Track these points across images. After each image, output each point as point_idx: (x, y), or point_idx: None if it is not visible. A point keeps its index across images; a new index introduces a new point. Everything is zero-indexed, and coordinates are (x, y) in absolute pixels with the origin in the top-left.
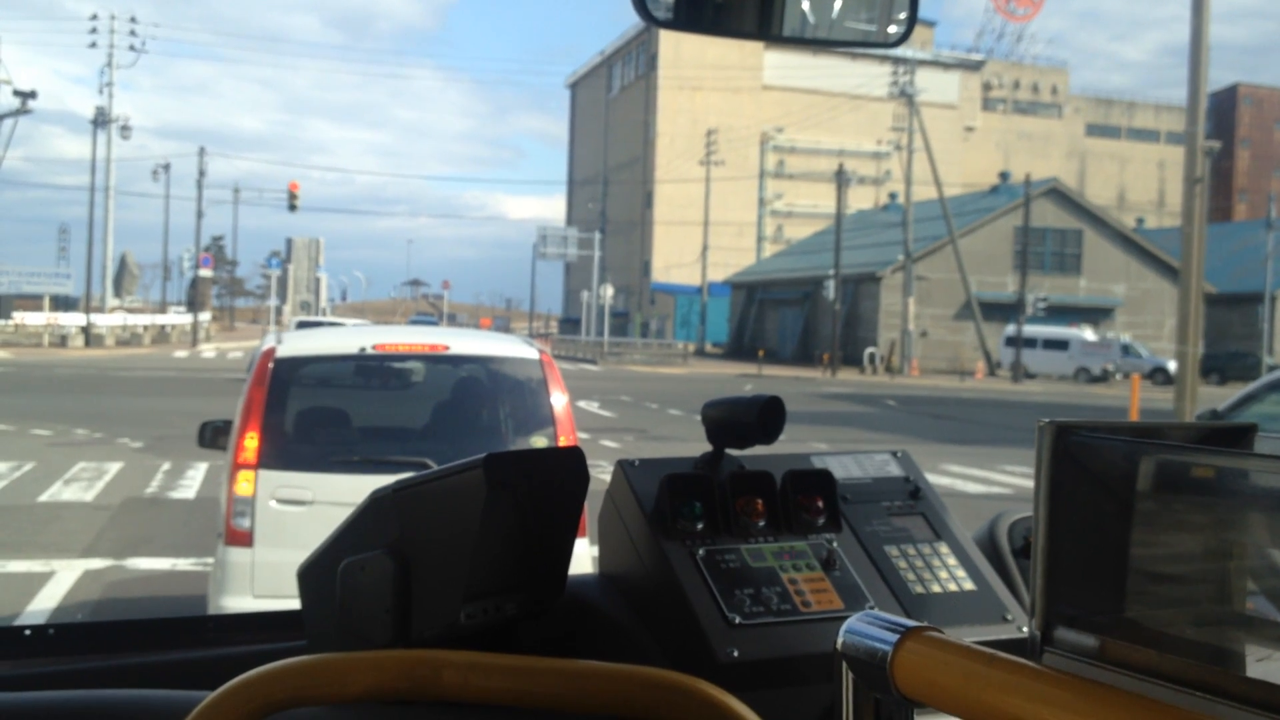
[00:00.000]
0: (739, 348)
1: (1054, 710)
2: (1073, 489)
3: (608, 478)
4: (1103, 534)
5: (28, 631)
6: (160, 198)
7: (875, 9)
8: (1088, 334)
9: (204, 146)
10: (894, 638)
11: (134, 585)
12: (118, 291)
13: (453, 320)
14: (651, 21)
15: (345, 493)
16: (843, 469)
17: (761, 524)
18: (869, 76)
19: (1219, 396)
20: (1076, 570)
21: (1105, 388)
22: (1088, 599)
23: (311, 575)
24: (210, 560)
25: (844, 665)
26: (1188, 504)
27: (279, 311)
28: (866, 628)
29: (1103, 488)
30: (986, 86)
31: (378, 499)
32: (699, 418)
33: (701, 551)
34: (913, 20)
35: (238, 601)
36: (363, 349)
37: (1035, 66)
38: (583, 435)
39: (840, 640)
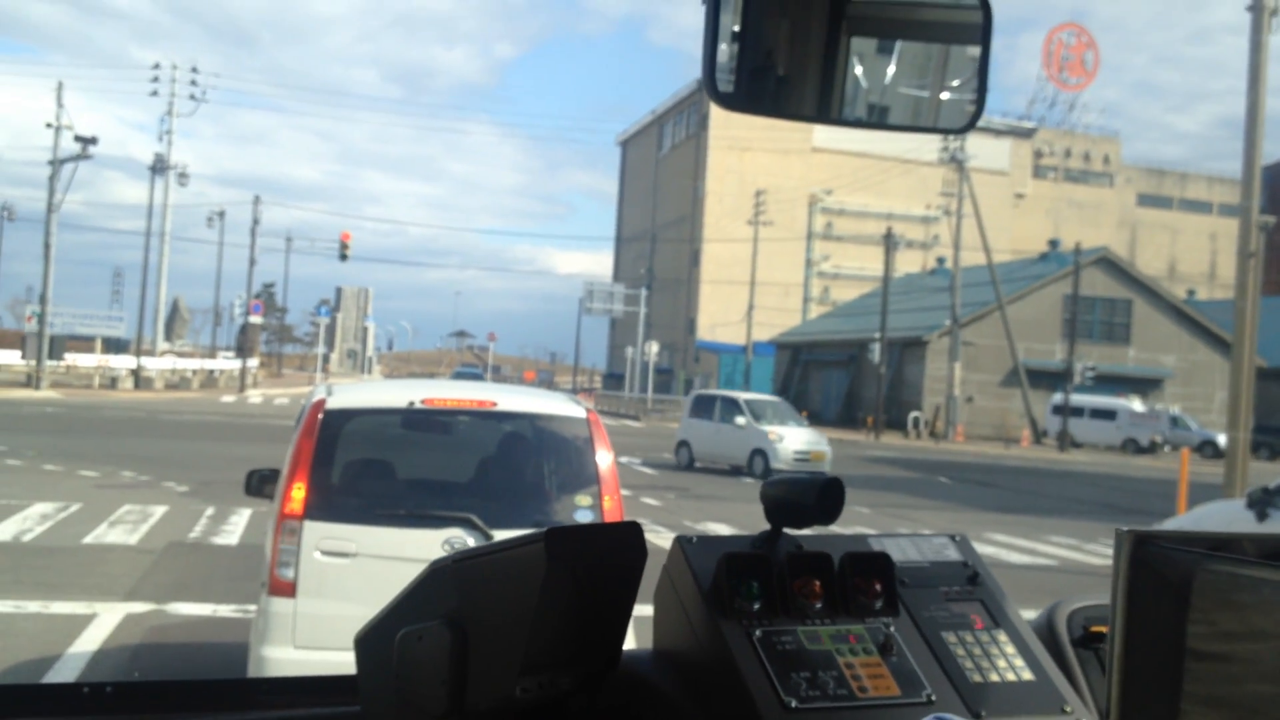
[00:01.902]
0: None
1: None
2: (1148, 598)
3: (652, 538)
4: (1175, 644)
5: (86, 689)
6: (214, 244)
7: (936, 91)
8: (1136, 405)
9: (259, 195)
10: None
11: (175, 630)
12: (169, 335)
13: (496, 372)
14: (716, 99)
15: (389, 546)
16: (900, 552)
17: (819, 606)
18: (919, 141)
19: (1270, 472)
20: (1149, 679)
21: (1153, 459)
22: (1159, 709)
23: (369, 642)
24: (251, 608)
25: None
26: (1264, 619)
27: (326, 359)
28: None
29: (1177, 598)
30: (1038, 154)
31: (437, 569)
32: (744, 480)
33: (758, 632)
34: (980, 104)
35: (279, 651)
36: (411, 403)
37: (1087, 135)
38: (625, 493)
39: None
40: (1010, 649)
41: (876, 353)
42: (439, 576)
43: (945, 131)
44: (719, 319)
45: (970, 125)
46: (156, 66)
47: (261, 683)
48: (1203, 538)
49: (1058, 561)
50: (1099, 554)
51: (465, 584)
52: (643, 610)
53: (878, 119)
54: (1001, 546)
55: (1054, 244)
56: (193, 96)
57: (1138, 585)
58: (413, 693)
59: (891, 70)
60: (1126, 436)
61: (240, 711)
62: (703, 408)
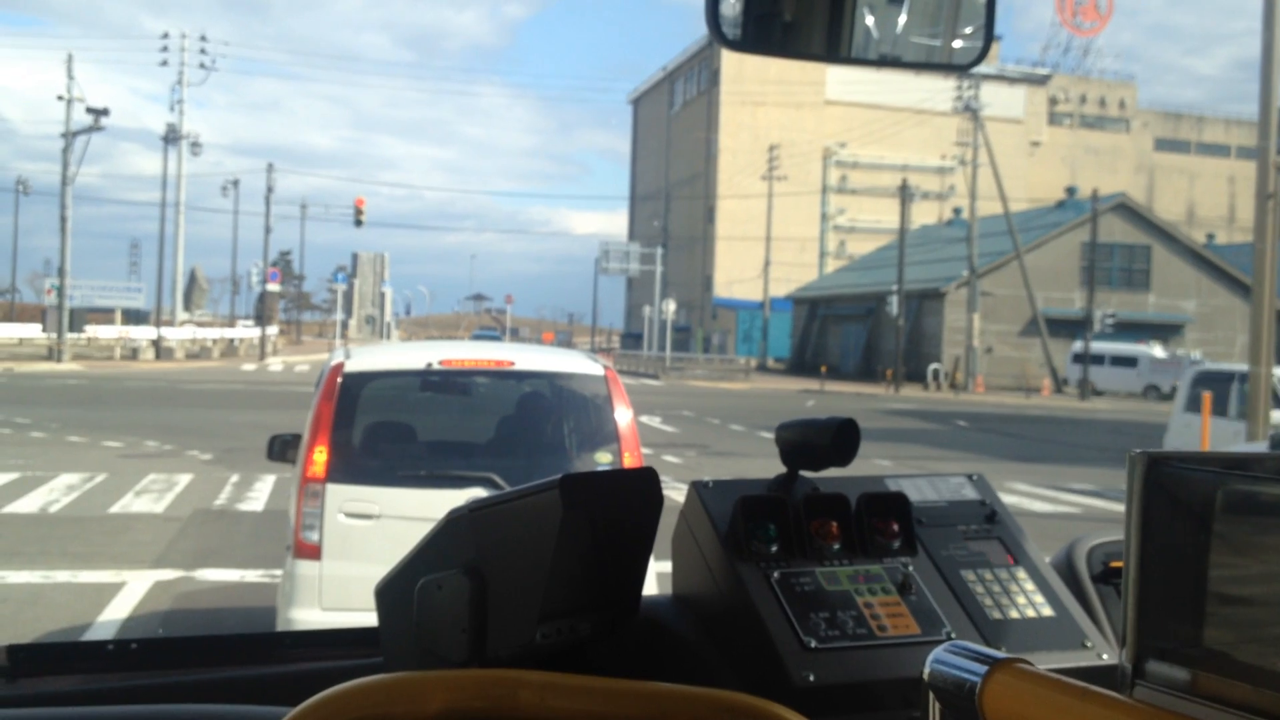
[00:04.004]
0: (801, 363)
1: None
2: (1164, 520)
3: (673, 494)
4: (1195, 566)
5: (110, 645)
6: (230, 213)
7: (945, 28)
8: (1157, 351)
9: (272, 162)
10: (983, 669)
11: (203, 596)
12: (187, 305)
13: (515, 335)
14: (722, 42)
15: (411, 507)
16: (917, 492)
17: (836, 547)
18: (933, 91)
19: None
20: (1168, 602)
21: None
22: (1180, 631)
23: (389, 593)
24: (278, 572)
25: (931, 696)
26: None
27: (344, 325)
28: (955, 658)
29: (1195, 519)
30: (1053, 101)
31: (454, 519)
32: (761, 434)
33: (776, 574)
34: (988, 39)
35: (306, 614)
36: (429, 364)
37: (1103, 81)
38: (645, 451)
39: (928, 670)
40: (1030, 586)
41: (894, 305)
42: (456, 526)
43: (954, 69)
44: (735, 276)
45: (978, 61)
46: (166, 36)
47: (285, 636)
48: (1218, 458)
49: (1080, 509)
50: (1121, 501)
51: (482, 532)
52: (663, 566)
53: (886, 58)
54: (1023, 495)
55: (1071, 191)
56: (203, 65)
57: (1153, 507)
58: (433, 641)
59: (899, 7)
60: (1148, 383)
61: (265, 665)
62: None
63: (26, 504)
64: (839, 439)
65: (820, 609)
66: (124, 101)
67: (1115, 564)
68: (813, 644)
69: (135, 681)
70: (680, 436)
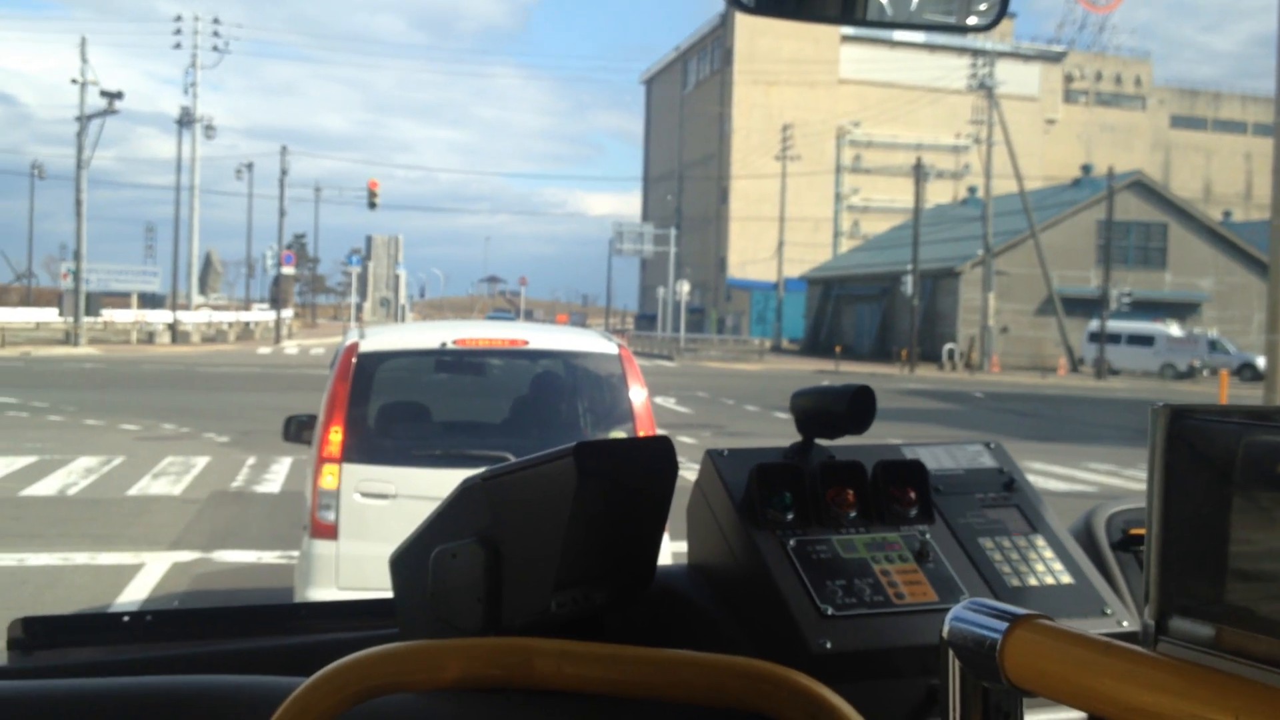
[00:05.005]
0: (815, 344)
1: (1171, 698)
2: (1187, 474)
3: (687, 475)
4: (1219, 520)
5: (126, 618)
6: (245, 196)
7: None
8: (1173, 329)
9: (285, 145)
10: (1004, 626)
11: (221, 578)
12: (203, 289)
13: (529, 316)
14: (738, 6)
15: (427, 486)
16: (934, 460)
17: (852, 515)
18: (947, 69)
19: None
20: (1191, 558)
21: (1192, 384)
22: (1203, 587)
23: (403, 563)
24: (295, 553)
25: (950, 654)
26: None
27: (359, 308)
28: (974, 615)
29: (1219, 473)
30: (1068, 78)
31: (468, 487)
32: (776, 414)
33: (792, 542)
34: (1004, 3)
35: (323, 593)
36: (443, 344)
37: (1118, 58)
38: (659, 431)
39: (946, 628)
40: (1048, 553)
41: (909, 285)
42: (470, 494)
43: (971, 30)
44: (749, 256)
45: (995, 22)
46: (178, 19)
47: (300, 607)
48: (1241, 410)
49: (1097, 488)
50: (1138, 479)
51: (496, 501)
52: (677, 546)
53: (902, 20)
54: (1040, 474)
55: (1086, 169)
56: (215, 48)
57: (1176, 461)
58: (448, 610)
59: None
60: (1164, 362)
61: (280, 636)
62: None
63: (45, 487)
64: (855, 406)
65: (837, 576)
66: (139, 85)
67: (1135, 531)
68: (829, 611)
69: (151, 653)
70: (694, 417)
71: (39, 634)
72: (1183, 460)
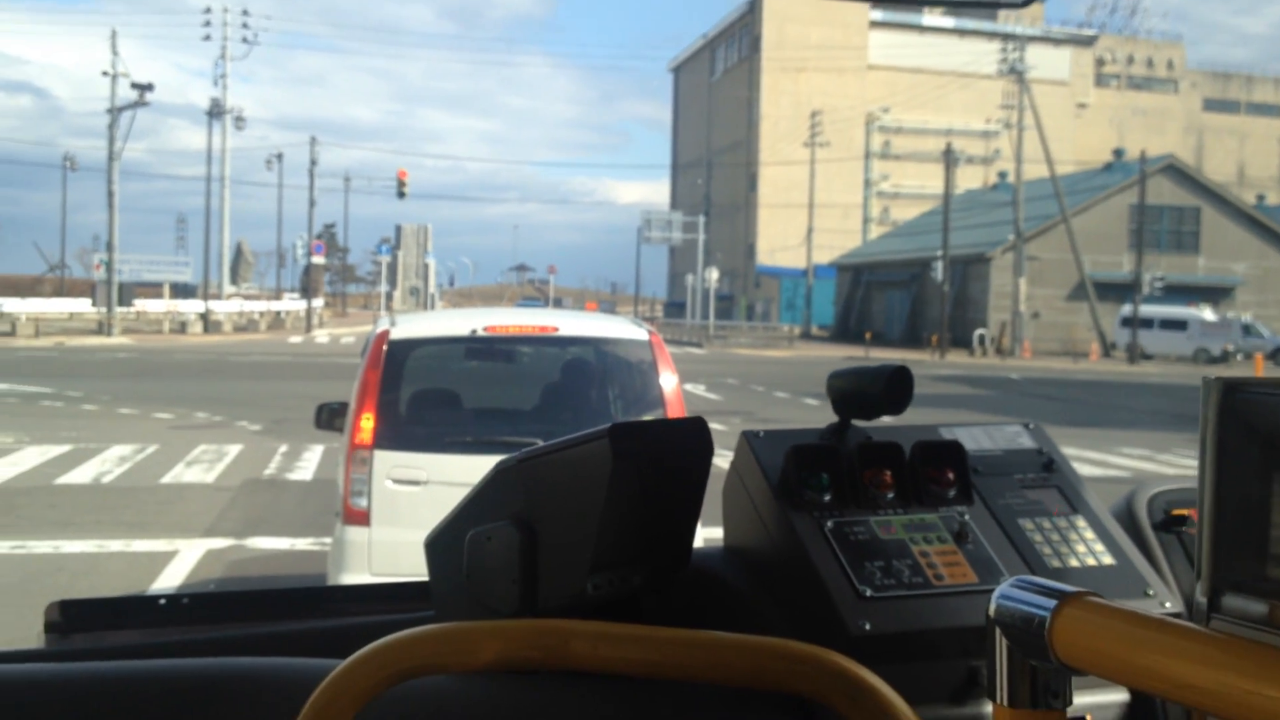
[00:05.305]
0: (845, 330)
1: (1226, 675)
2: (1239, 448)
3: (718, 462)
4: (1272, 494)
5: (162, 601)
6: (275, 187)
7: None
8: (1207, 314)
9: (314, 136)
10: (1053, 603)
11: (254, 564)
12: (234, 279)
13: (558, 305)
14: None
15: (458, 473)
16: (973, 440)
17: (890, 496)
18: (977, 54)
19: None
20: (1244, 533)
21: (1225, 368)
22: (1256, 563)
23: (439, 545)
24: (327, 540)
25: (997, 632)
26: None
27: (389, 297)
28: (1022, 593)
29: (1271, 446)
30: (1100, 62)
31: (503, 470)
32: (806, 400)
33: (830, 523)
34: None
35: (355, 579)
36: (474, 331)
37: (1150, 41)
38: None
39: (994, 606)
40: (1089, 534)
41: (939, 271)
42: (505, 476)
43: (1006, 6)
44: (778, 243)
45: None
46: (208, 11)
47: (335, 590)
48: None
49: (1130, 473)
50: (1173, 464)
51: (531, 483)
52: (710, 532)
53: None
54: (1073, 460)
55: (1118, 153)
56: (245, 40)
57: (1228, 435)
58: (484, 592)
59: None
60: (1198, 346)
61: (316, 619)
62: None
63: (80, 475)
64: (892, 387)
65: (875, 558)
66: (170, 77)
67: (1177, 511)
68: (868, 593)
69: (187, 636)
70: (724, 404)
71: (76, 617)
72: (1235, 434)
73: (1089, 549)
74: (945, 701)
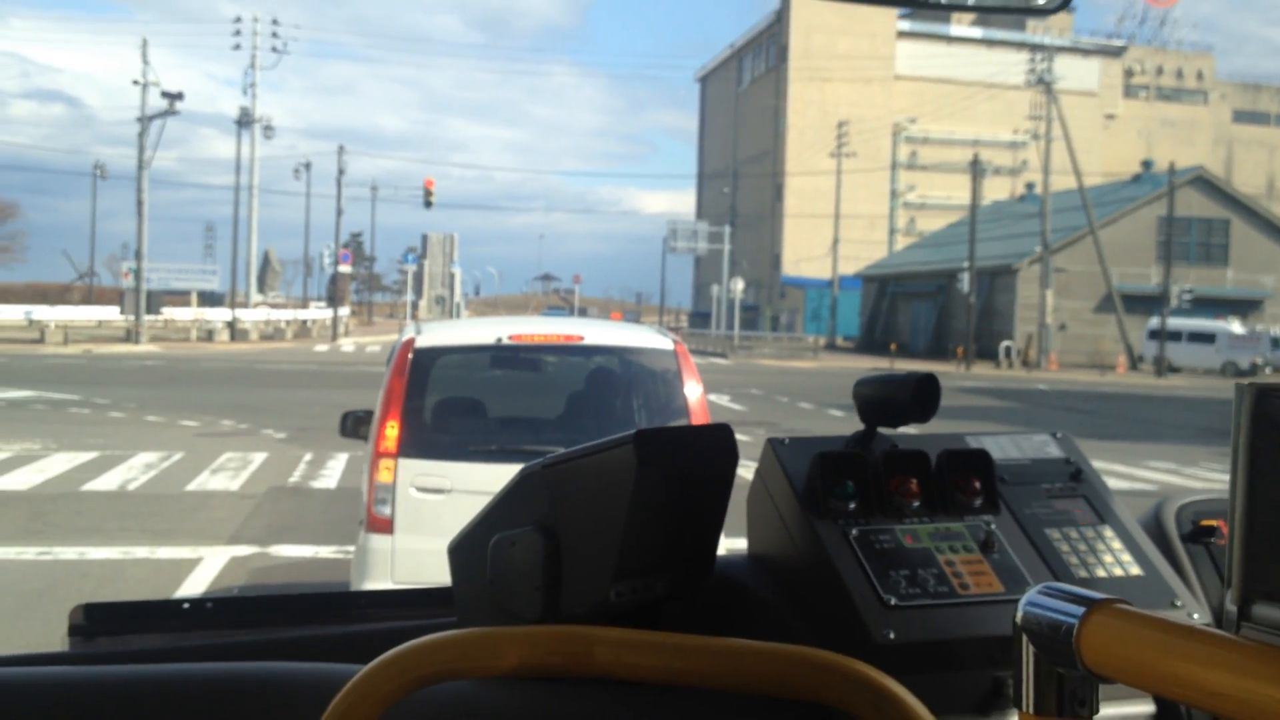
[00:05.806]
0: (870, 341)
1: (1257, 683)
2: (1273, 455)
3: (742, 473)
4: None
5: (186, 605)
6: (302, 196)
7: None
8: (1235, 326)
9: (342, 145)
10: (1081, 611)
11: (278, 572)
12: (261, 287)
13: (583, 314)
14: None
15: (482, 482)
16: (1000, 450)
17: (916, 504)
18: (1004, 65)
19: None
20: (1277, 541)
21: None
22: None
23: (462, 551)
24: (351, 548)
25: (1025, 639)
26: None
27: (415, 306)
28: (1050, 600)
29: None
30: (1128, 73)
31: (528, 475)
32: (831, 411)
33: (855, 531)
34: None
35: (378, 587)
36: (499, 339)
37: (1180, 52)
38: None
39: (1020, 613)
40: (1117, 544)
41: (965, 282)
42: (529, 482)
43: (1038, 12)
44: (804, 253)
45: (1065, 3)
46: (238, 20)
47: (360, 595)
48: None
49: (1157, 486)
50: (1200, 477)
51: (555, 488)
52: (732, 544)
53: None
54: (1100, 473)
55: (1147, 165)
56: (274, 49)
57: (1261, 440)
58: (507, 599)
59: None
60: (1226, 359)
61: (339, 624)
62: None
63: (106, 482)
64: (919, 394)
65: (900, 567)
66: (200, 86)
67: (1206, 523)
68: (893, 602)
69: (210, 640)
70: (749, 414)
71: (101, 621)
72: (1268, 440)
73: (1116, 559)
74: (969, 712)
